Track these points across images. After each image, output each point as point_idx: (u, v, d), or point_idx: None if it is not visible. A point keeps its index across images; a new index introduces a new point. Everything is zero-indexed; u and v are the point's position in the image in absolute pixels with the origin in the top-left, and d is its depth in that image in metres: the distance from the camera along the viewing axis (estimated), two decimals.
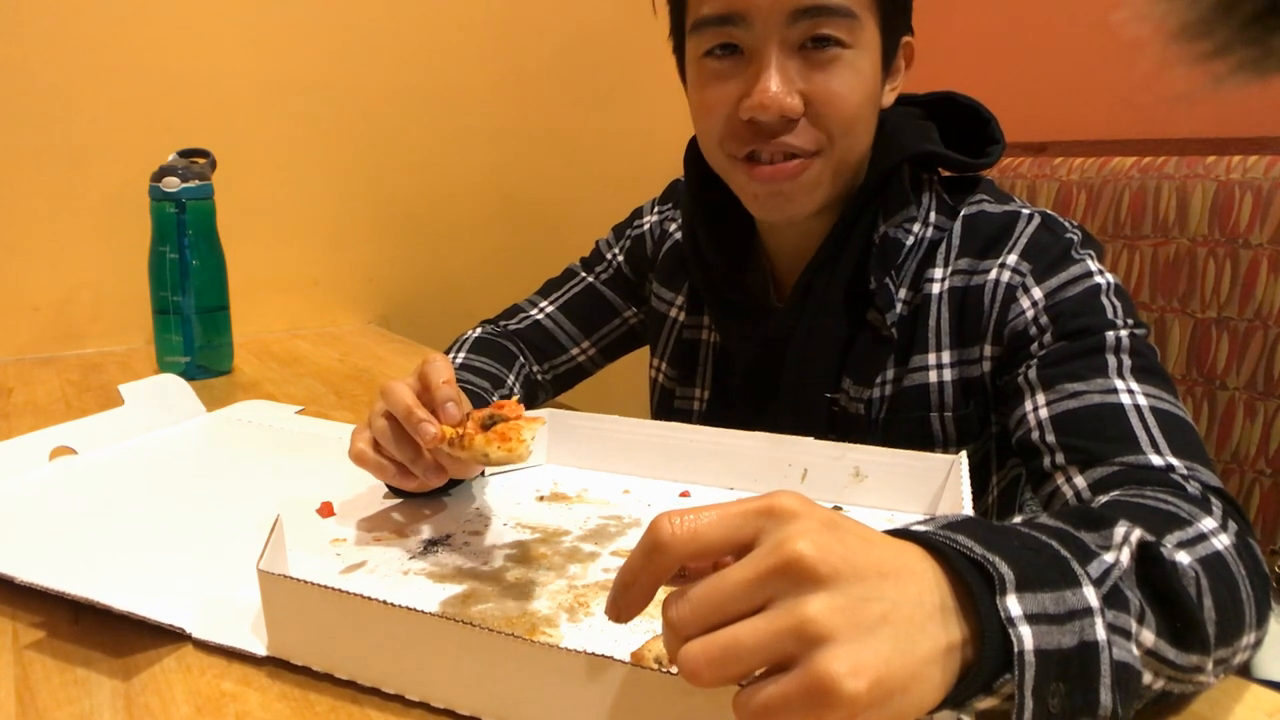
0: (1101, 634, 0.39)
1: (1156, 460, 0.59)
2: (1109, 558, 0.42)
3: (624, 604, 0.40)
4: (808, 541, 0.36)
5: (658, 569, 0.39)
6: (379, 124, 1.52)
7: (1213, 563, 0.49)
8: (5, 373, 1.18)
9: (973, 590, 0.38)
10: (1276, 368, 0.96)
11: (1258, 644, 0.51)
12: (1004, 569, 0.39)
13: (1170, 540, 0.49)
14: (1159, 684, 0.45)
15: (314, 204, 1.49)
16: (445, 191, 1.61)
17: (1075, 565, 0.41)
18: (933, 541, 0.39)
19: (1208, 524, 0.53)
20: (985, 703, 0.38)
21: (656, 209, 0.99)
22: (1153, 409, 0.62)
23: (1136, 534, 0.45)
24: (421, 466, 0.63)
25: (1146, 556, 0.44)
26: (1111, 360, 0.65)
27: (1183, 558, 0.48)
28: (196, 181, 1.14)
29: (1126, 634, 0.41)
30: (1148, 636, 0.42)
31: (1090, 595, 0.40)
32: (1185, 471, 0.59)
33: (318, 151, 1.48)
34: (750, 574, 0.36)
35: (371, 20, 1.49)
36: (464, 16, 1.57)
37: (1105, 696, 0.39)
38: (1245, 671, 0.51)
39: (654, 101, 1.71)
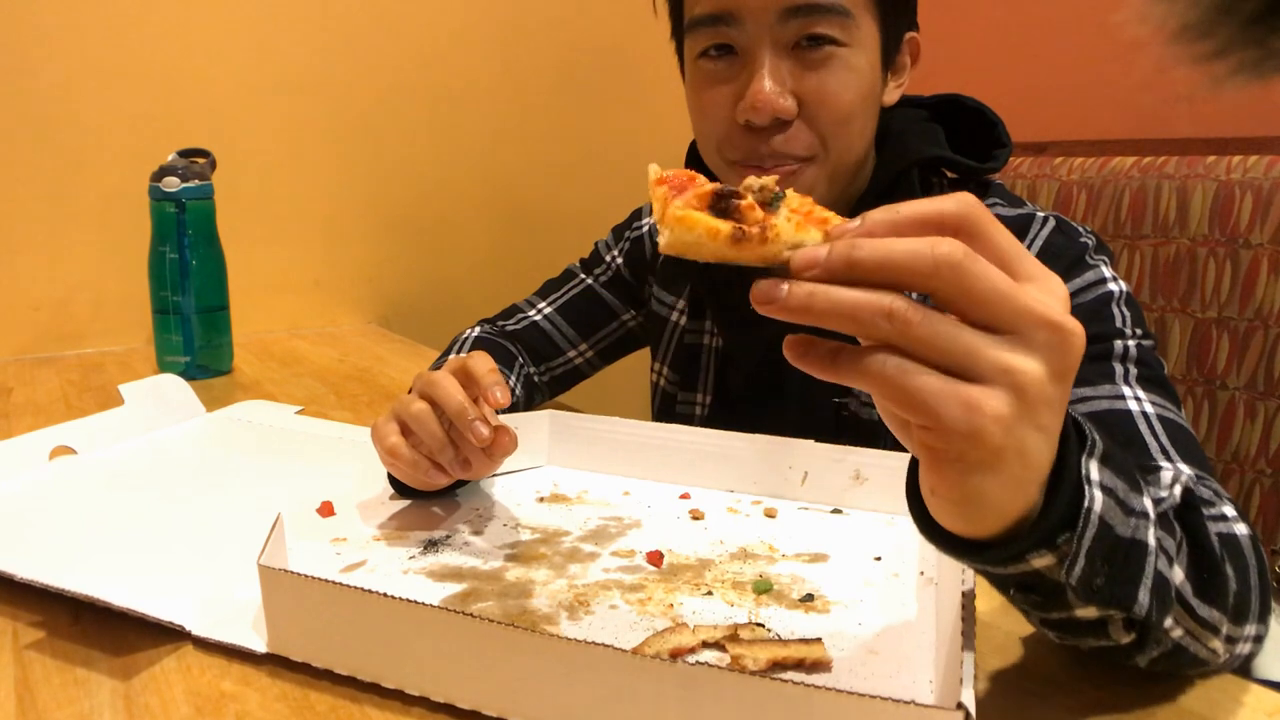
0: (1152, 540, 0.40)
1: (1167, 467, 0.59)
2: (1163, 492, 0.45)
3: (833, 268, 0.35)
4: (1080, 339, 0.36)
5: (908, 275, 0.35)
6: (379, 124, 1.52)
7: (1228, 541, 0.50)
8: (5, 373, 1.18)
9: (1067, 442, 0.38)
10: (1277, 368, 0.96)
11: (1258, 640, 0.51)
12: (1097, 437, 0.40)
13: (1202, 508, 0.50)
14: (1178, 632, 0.45)
15: (314, 204, 1.49)
16: (445, 191, 1.61)
17: (1139, 476, 0.42)
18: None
19: (1229, 510, 0.53)
20: (1043, 560, 0.39)
21: None
22: (1159, 417, 0.62)
23: (1184, 477, 0.47)
24: (449, 458, 0.64)
25: (1189, 503, 0.46)
26: (1119, 368, 0.65)
27: (1211, 525, 0.49)
28: (196, 181, 1.14)
29: (1170, 559, 0.42)
30: (1178, 574, 0.43)
31: (1148, 504, 0.41)
32: (1196, 479, 0.58)
33: (318, 151, 1.48)
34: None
35: (371, 20, 1.49)
36: (464, 17, 1.57)
37: (1144, 596, 0.40)
38: (1245, 671, 0.51)
39: (654, 102, 1.71)
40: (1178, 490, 0.46)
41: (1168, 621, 0.44)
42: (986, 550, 0.40)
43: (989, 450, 0.35)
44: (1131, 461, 0.42)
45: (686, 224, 0.36)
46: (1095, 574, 0.39)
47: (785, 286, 0.35)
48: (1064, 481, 0.38)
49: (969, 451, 0.35)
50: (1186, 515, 0.46)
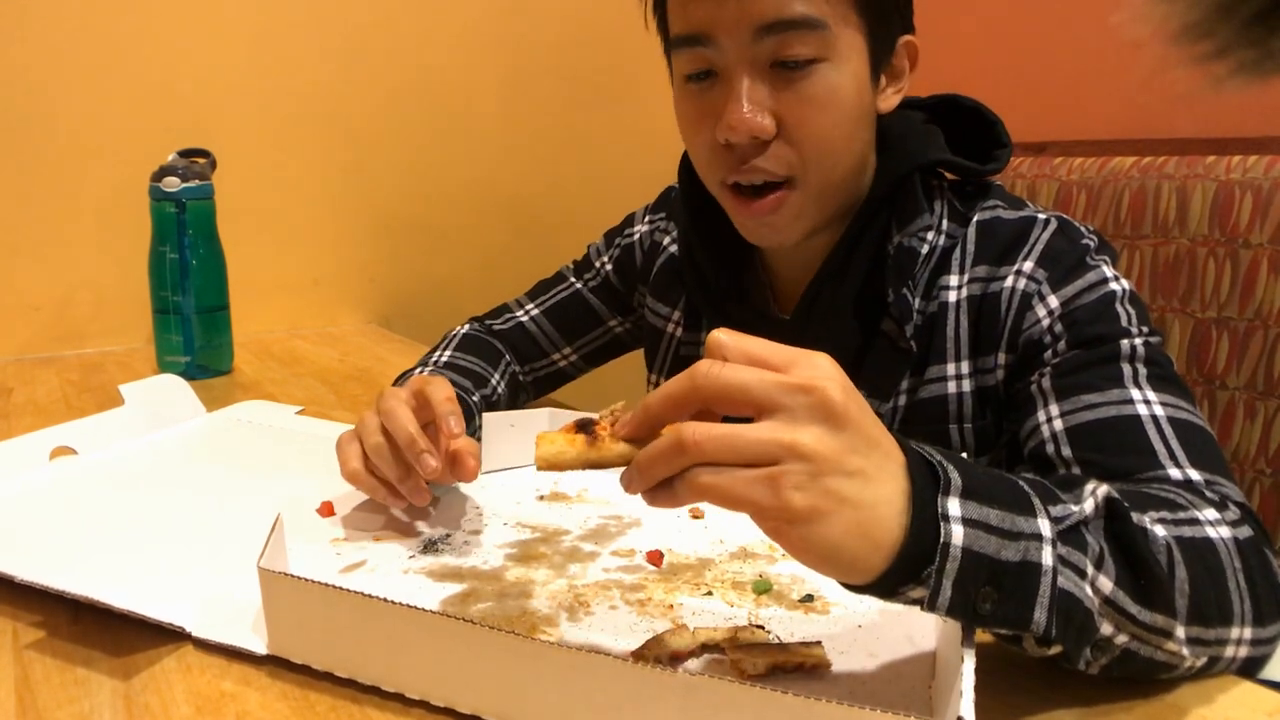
0: (1048, 560, 0.42)
1: (1175, 474, 0.58)
2: (1074, 506, 0.45)
3: (634, 424, 0.44)
4: (837, 386, 0.41)
5: (681, 401, 0.43)
6: (379, 124, 1.52)
7: (1195, 544, 0.50)
8: (5, 373, 1.18)
9: (915, 484, 0.42)
10: (1276, 368, 0.96)
11: (1258, 642, 0.51)
12: (954, 475, 0.42)
13: (1151, 514, 0.50)
14: (1122, 638, 0.46)
15: (314, 204, 1.49)
16: (445, 191, 1.61)
17: (1036, 501, 0.44)
18: (905, 444, 0.44)
19: (1207, 514, 0.53)
20: (916, 591, 0.42)
21: (648, 218, 0.98)
22: (1170, 419, 0.61)
23: (1104, 489, 0.47)
24: (409, 487, 0.66)
25: (1114, 513, 0.47)
26: (1127, 369, 0.64)
27: (1159, 530, 0.49)
28: (196, 181, 1.14)
29: (1080, 572, 0.43)
30: (1105, 583, 0.45)
31: (1044, 526, 0.43)
32: (1204, 484, 0.58)
33: (318, 151, 1.48)
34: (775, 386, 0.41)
35: (371, 20, 1.49)
36: (463, 17, 1.57)
37: (1039, 615, 0.42)
38: (1246, 672, 0.51)
39: (654, 101, 1.70)
40: (1089, 504, 0.46)
41: (1108, 629, 0.45)
42: (869, 587, 0.42)
43: (805, 511, 0.40)
44: (1020, 486, 0.44)
45: (545, 440, 0.46)
46: (979, 600, 0.41)
47: (628, 476, 0.44)
48: (922, 519, 0.41)
49: (793, 519, 0.40)
50: (1112, 525, 0.46)
